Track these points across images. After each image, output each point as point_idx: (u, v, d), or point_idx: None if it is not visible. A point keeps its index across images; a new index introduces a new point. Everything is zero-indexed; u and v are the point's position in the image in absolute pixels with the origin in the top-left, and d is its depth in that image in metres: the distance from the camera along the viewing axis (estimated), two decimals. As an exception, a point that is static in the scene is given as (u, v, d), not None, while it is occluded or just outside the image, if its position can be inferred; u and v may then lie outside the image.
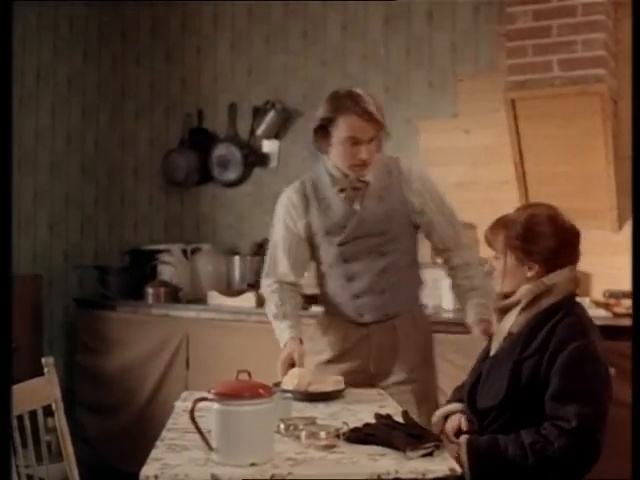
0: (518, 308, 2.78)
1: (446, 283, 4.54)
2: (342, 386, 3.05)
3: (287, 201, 3.47)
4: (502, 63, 4.57)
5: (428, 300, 4.67)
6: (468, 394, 2.88)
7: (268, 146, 5.40)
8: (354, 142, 3.28)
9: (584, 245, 4.48)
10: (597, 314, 4.09)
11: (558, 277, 2.76)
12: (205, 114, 5.93)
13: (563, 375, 2.56)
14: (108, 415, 5.33)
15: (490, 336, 2.96)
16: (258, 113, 5.61)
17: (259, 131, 5.53)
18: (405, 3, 5.17)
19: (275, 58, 5.68)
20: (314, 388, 2.98)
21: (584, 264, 4.50)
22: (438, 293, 4.64)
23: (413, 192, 3.44)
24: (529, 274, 2.77)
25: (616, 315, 4.08)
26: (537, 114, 4.32)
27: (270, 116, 5.48)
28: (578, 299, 4.11)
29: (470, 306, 3.39)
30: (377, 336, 3.38)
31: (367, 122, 3.28)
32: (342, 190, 3.40)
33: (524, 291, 2.77)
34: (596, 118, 4.20)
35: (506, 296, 2.87)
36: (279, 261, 3.50)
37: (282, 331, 3.38)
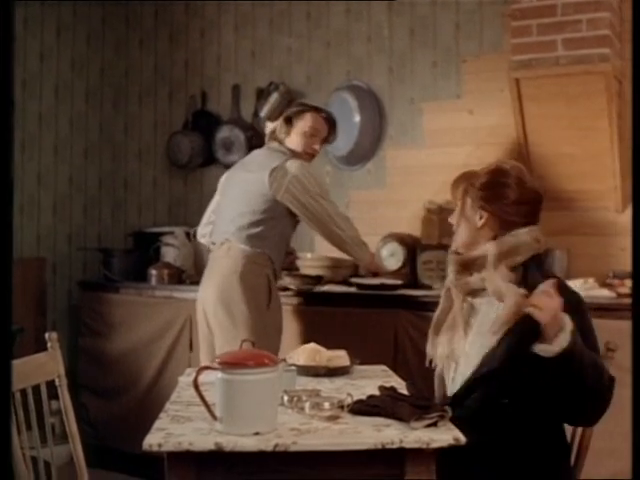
0: (489, 267, 2.74)
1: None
2: (349, 361, 3.08)
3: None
4: (506, 43, 4.56)
5: (433, 280, 4.68)
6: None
7: (272, 128, 5.38)
8: (312, 134, 4.22)
9: (588, 226, 4.55)
10: (601, 294, 4.10)
11: (525, 236, 2.75)
12: (209, 96, 5.93)
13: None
14: (112, 397, 5.34)
15: None
16: (262, 95, 5.60)
17: (263, 113, 5.51)
18: (409, -16, 5.16)
19: (279, 40, 5.66)
20: (334, 363, 3.00)
21: (588, 245, 4.55)
22: (442, 274, 4.63)
23: None
24: (479, 223, 2.77)
25: (620, 295, 4.07)
26: (541, 94, 4.31)
27: (274, 98, 5.46)
28: (578, 281, 4.17)
29: None
30: None
31: (326, 124, 4.27)
32: None
33: (490, 247, 2.73)
34: (600, 98, 4.18)
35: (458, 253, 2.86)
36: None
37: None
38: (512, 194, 2.75)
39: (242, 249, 4.03)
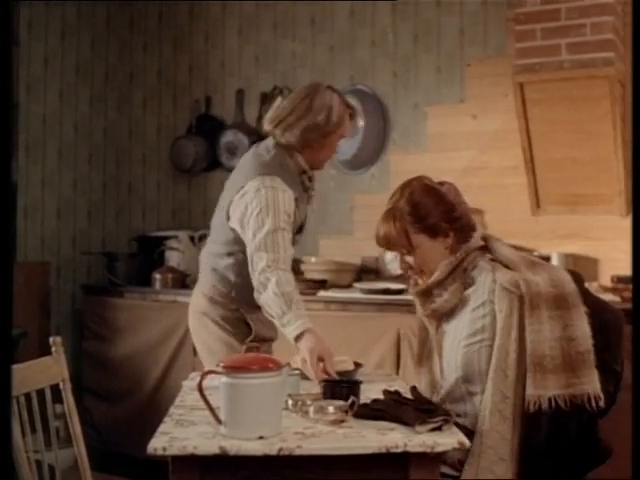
0: (453, 287, 2.72)
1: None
2: (352, 366, 3.07)
3: (288, 194, 3.23)
4: (510, 47, 4.56)
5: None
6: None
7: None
8: (339, 139, 3.39)
9: (592, 230, 4.55)
10: (605, 298, 4.07)
11: (470, 246, 2.75)
12: (213, 101, 5.93)
13: None
14: (116, 402, 5.33)
15: None
16: (266, 99, 5.61)
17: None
18: (413, -12, 5.17)
19: (283, 44, 5.67)
20: (338, 368, 2.99)
21: (593, 248, 4.55)
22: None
23: None
24: (446, 244, 2.74)
25: (624, 299, 4.07)
26: (545, 98, 4.31)
27: (278, 102, 5.46)
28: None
29: None
30: None
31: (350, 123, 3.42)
32: (308, 190, 3.44)
33: (443, 267, 2.72)
34: (604, 102, 4.19)
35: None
36: (289, 249, 3.19)
37: (299, 317, 2.99)
38: (444, 205, 2.75)
39: (209, 283, 3.44)
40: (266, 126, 3.38)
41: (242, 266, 3.25)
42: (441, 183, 2.84)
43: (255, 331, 3.37)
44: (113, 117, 6.16)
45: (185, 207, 6.03)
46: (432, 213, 2.72)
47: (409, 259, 2.78)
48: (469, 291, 2.68)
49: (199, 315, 3.45)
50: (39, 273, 5.54)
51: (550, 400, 2.44)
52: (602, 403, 2.47)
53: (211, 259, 3.43)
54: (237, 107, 5.79)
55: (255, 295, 3.11)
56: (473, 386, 2.61)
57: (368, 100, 5.24)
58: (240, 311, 3.36)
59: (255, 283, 3.10)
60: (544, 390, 2.45)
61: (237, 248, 3.30)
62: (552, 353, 2.47)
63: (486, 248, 2.80)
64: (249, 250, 3.16)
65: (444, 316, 2.76)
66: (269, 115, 3.50)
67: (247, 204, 3.19)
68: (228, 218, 3.31)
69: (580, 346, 2.50)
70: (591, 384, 2.47)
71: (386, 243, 2.78)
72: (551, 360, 2.47)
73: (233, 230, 3.29)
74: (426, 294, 2.77)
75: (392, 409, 2.33)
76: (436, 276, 2.72)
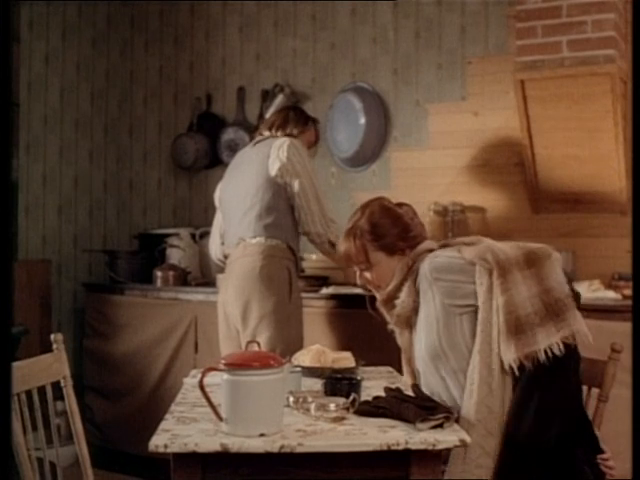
0: (406, 287, 2.80)
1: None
2: (354, 363, 3.09)
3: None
4: (511, 45, 4.55)
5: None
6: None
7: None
8: None
9: (594, 228, 4.55)
10: (606, 296, 4.08)
11: (419, 249, 2.84)
12: (214, 98, 5.93)
13: None
14: (117, 399, 5.34)
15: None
16: (267, 97, 5.60)
17: (268, 115, 5.50)
18: (414, -15, 5.16)
19: (284, 42, 5.66)
20: (339, 365, 3.01)
21: (594, 246, 4.54)
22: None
23: None
24: (401, 257, 2.85)
25: (625, 297, 4.06)
26: (546, 95, 4.30)
27: (279, 100, 5.46)
28: (584, 283, 4.17)
29: None
30: None
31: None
32: None
33: (397, 272, 2.83)
34: (606, 99, 4.18)
35: None
36: None
37: None
38: (400, 224, 2.89)
39: (258, 243, 3.94)
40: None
41: (286, 215, 4.00)
42: (399, 205, 2.99)
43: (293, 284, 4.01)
44: (114, 115, 6.16)
45: (186, 205, 6.02)
46: (389, 233, 2.87)
47: (367, 275, 2.93)
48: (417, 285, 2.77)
49: (251, 280, 3.90)
50: (40, 271, 5.54)
51: (546, 352, 2.45)
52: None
53: (257, 224, 3.96)
54: (238, 105, 5.78)
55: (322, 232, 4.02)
56: (444, 365, 2.65)
57: (369, 97, 5.23)
58: (286, 267, 3.97)
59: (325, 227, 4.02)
60: (536, 345, 2.46)
61: (278, 200, 3.97)
62: (535, 309, 2.51)
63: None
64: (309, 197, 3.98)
65: (411, 324, 2.84)
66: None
67: (288, 156, 3.98)
68: (268, 175, 3.97)
69: (558, 293, 2.55)
70: (576, 322, 2.52)
71: (346, 259, 2.96)
72: (535, 315, 2.50)
73: (275, 185, 3.96)
74: (388, 302, 2.87)
75: (393, 406, 2.33)
76: (393, 282, 2.84)
